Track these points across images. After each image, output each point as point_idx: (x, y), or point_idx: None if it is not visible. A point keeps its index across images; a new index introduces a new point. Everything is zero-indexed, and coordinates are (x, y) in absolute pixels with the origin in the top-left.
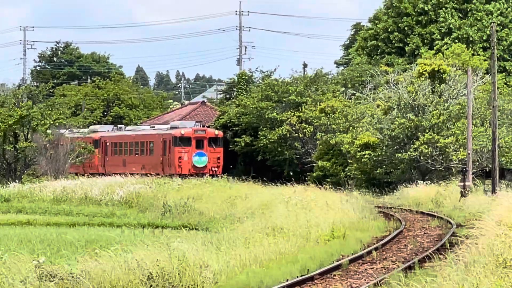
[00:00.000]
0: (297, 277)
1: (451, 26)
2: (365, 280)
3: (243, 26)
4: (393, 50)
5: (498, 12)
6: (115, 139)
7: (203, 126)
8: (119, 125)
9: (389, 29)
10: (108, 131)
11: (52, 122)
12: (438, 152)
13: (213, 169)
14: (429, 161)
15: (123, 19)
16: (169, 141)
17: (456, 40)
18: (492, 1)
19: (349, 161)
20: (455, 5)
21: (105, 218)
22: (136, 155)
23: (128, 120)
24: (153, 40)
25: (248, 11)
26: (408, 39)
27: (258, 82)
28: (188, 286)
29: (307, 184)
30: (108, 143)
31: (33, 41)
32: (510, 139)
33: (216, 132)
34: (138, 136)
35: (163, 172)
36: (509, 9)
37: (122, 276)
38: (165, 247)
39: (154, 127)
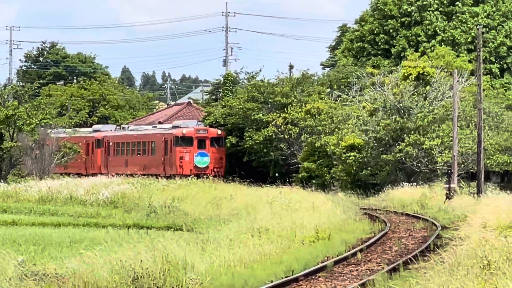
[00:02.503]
0: (282, 278)
1: (436, 29)
2: (349, 282)
3: (229, 27)
4: (379, 52)
5: (485, 14)
6: (117, 139)
7: (205, 126)
8: (122, 125)
9: (375, 31)
10: (111, 130)
11: (38, 122)
12: (423, 154)
13: (216, 169)
14: (415, 163)
15: (110, 20)
16: (171, 141)
17: (442, 43)
18: (480, 3)
19: (335, 162)
20: (439, 8)
21: (90, 219)
22: (138, 155)
23: (114, 121)
24: (139, 40)
25: (235, 13)
26: (394, 41)
27: (243, 83)
28: (173, 287)
29: (293, 185)
30: (110, 143)
31: (19, 41)
32: (495, 142)
33: (219, 131)
34: (140, 136)
35: (164, 172)
36: (497, 12)
37: (107, 276)
38: (150, 247)
39: (156, 126)
